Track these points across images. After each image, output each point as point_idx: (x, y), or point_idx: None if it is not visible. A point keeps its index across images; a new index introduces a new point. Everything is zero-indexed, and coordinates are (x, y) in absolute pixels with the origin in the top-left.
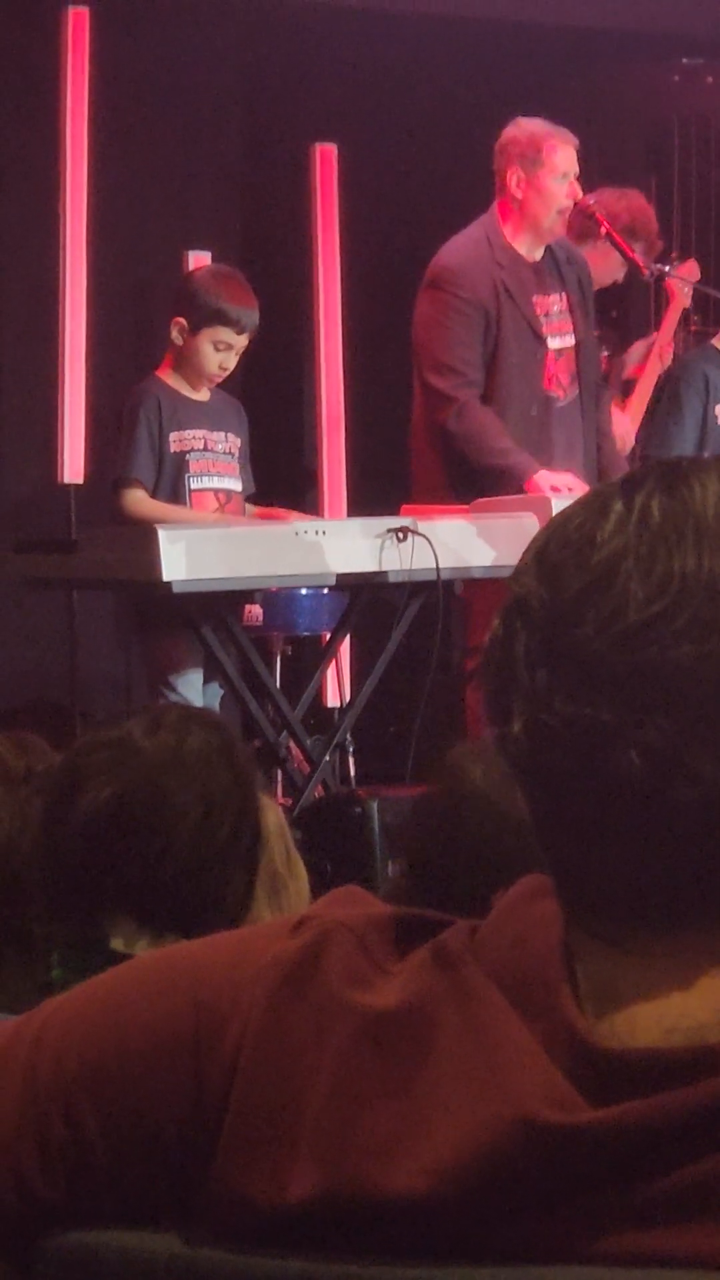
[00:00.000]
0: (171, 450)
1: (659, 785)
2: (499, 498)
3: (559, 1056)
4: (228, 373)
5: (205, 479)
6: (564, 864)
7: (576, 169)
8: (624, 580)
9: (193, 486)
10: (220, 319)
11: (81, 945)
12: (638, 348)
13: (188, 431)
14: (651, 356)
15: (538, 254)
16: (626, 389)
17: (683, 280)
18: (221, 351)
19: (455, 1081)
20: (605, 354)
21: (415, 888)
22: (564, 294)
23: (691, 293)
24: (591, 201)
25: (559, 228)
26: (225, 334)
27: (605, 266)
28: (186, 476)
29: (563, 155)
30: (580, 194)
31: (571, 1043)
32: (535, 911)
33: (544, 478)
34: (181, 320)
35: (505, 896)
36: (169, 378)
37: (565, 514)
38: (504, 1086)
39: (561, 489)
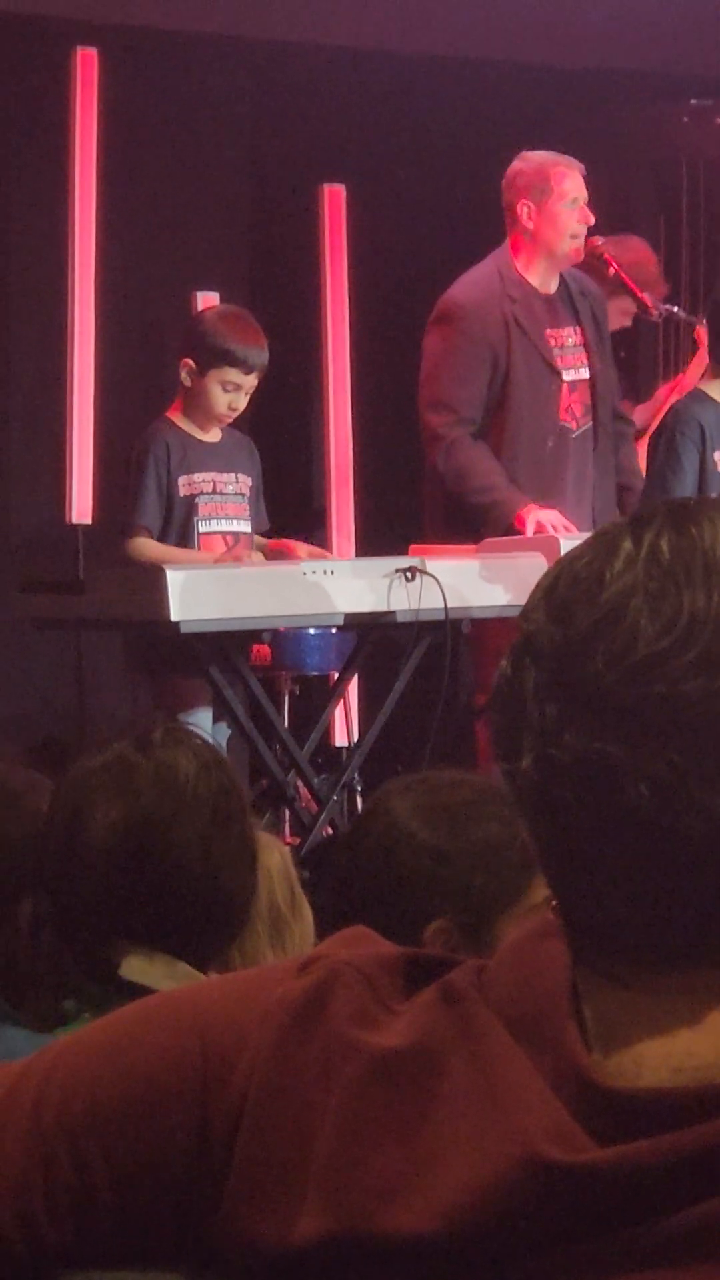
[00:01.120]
0: (180, 494)
1: (668, 819)
2: (507, 538)
3: (565, 1095)
4: (237, 413)
5: (214, 522)
6: (571, 901)
7: (585, 194)
8: (634, 616)
9: (201, 530)
10: (227, 359)
11: (92, 975)
12: (642, 412)
13: (197, 475)
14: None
15: (552, 286)
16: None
17: (690, 317)
18: (230, 392)
19: (462, 1121)
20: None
21: (342, 918)
22: (578, 327)
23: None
24: (600, 242)
25: (573, 255)
26: (233, 374)
27: (615, 309)
28: (195, 520)
29: (571, 181)
30: (591, 219)
31: (578, 1082)
32: (542, 951)
33: (530, 514)
34: (190, 362)
35: (512, 936)
36: (179, 419)
37: (574, 553)
38: (510, 1126)
39: (546, 526)
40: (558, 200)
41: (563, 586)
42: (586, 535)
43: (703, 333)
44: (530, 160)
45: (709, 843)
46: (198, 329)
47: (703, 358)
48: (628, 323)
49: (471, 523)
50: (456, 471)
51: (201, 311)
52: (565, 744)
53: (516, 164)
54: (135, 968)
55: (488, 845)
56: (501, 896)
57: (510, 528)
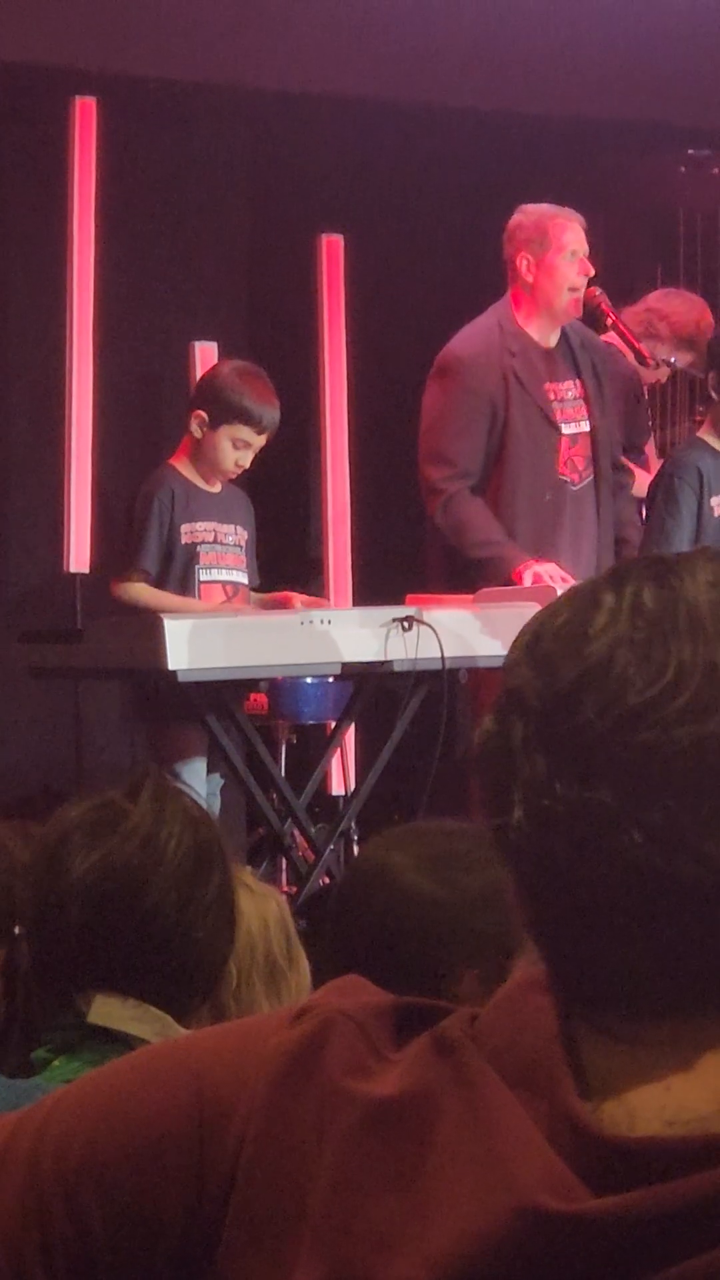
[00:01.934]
0: (182, 542)
1: (663, 866)
2: (504, 588)
3: (560, 1144)
4: (242, 470)
5: (214, 571)
6: (562, 955)
7: (585, 247)
8: (622, 666)
9: (202, 579)
10: (242, 417)
11: (64, 1022)
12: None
13: (199, 524)
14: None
15: (552, 340)
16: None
17: (687, 368)
18: (239, 450)
19: (457, 1170)
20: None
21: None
22: (578, 380)
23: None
24: (597, 293)
25: (573, 308)
26: (245, 432)
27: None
28: (196, 568)
29: (570, 234)
30: (591, 270)
31: (573, 1131)
32: (532, 1003)
33: (528, 568)
34: (202, 414)
35: (503, 988)
36: (183, 467)
37: (551, 609)
38: (505, 1175)
39: (544, 578)
40: (557, 253)
41: (545, 641)
42: None
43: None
44: (530, 213)
45: (705, 889)
46: (214, 383)
47: None
48: (663, 378)
49: (471, 575)
50: (455, 526)
51: (218, 365)
52: (557, 794)
53: (516, 217)
54: (103, 1012)
55: (490, 895)
56: (513, 940)
57: (508, 581)
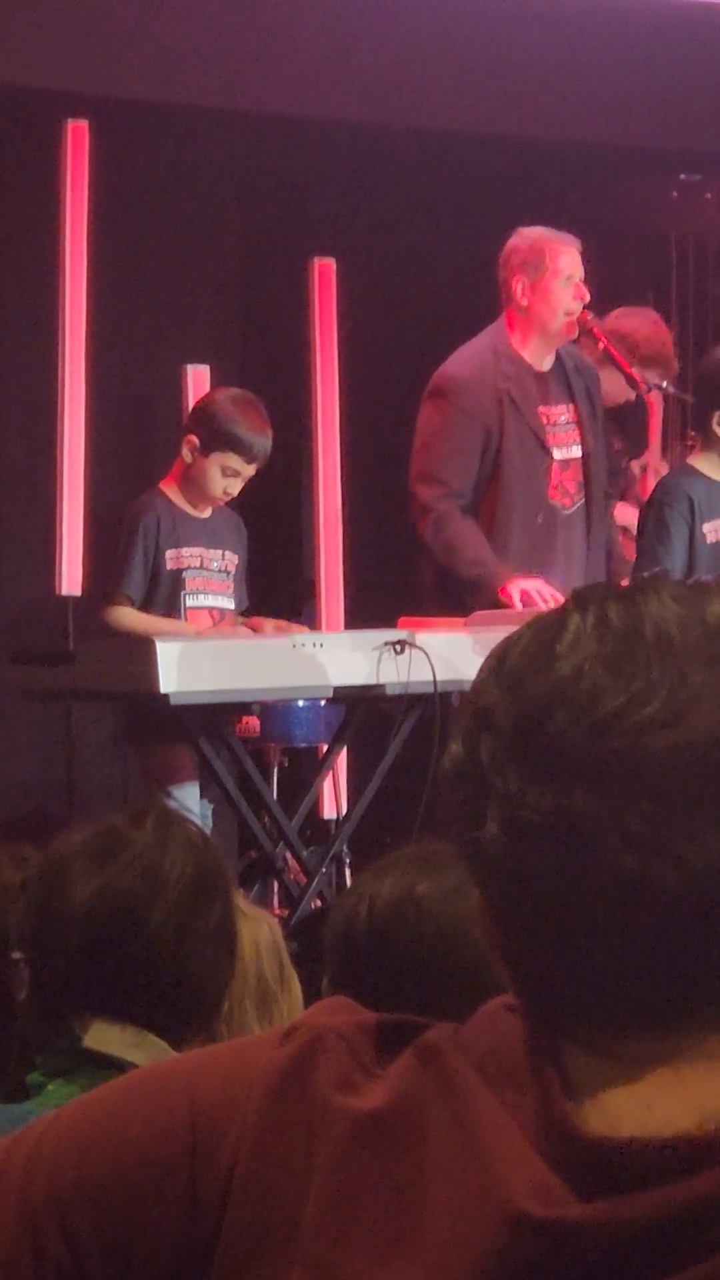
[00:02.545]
0: (168, 568)
1: (642, 872)
2: (496, 611)
3: (545, 1149)
4: (230, 498)
5: (201, 597)
6: (538, 975)
7: (581, 272)
8: (591, 679)
9: (188, 604)
10: (233, 445)
11: (59, 1047)
12: (632, 468)
13: (185, 549)
14: (647, 475)
15: (546, 363)
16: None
17: (678, 392)
18: (228, 477)
19: (446, 1180)
20: (627, 462)
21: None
22: (571, 405)
23: (678, 403)
24: (590, 316)
25: (567, 332)
26: (235, 460)
27: (613, 385)
28: (183, 594)
29: (566, 259)
30: (587, 295)
31: (559, 1134)
32: (511, 1020)
33: (515, 585)
34: (194, 439)
35: (484, 1006)
36: (172, 492)
37: (517, 634)
38: (493, 1183)
39: (531, 593)
40: (552, 277)
41: (511, 661)
42: None
43: (652, 399)
44: (526, 237)
45: (684, 894)
46: (208, 409)
47: (655, 423)
48: (631, 396)
49: (462, 596)
50: (445, 545)
51: (214, 392)
52: (532, 805)
53: (513, 240)
54: (99, 1037)
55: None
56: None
57: (496, 599)
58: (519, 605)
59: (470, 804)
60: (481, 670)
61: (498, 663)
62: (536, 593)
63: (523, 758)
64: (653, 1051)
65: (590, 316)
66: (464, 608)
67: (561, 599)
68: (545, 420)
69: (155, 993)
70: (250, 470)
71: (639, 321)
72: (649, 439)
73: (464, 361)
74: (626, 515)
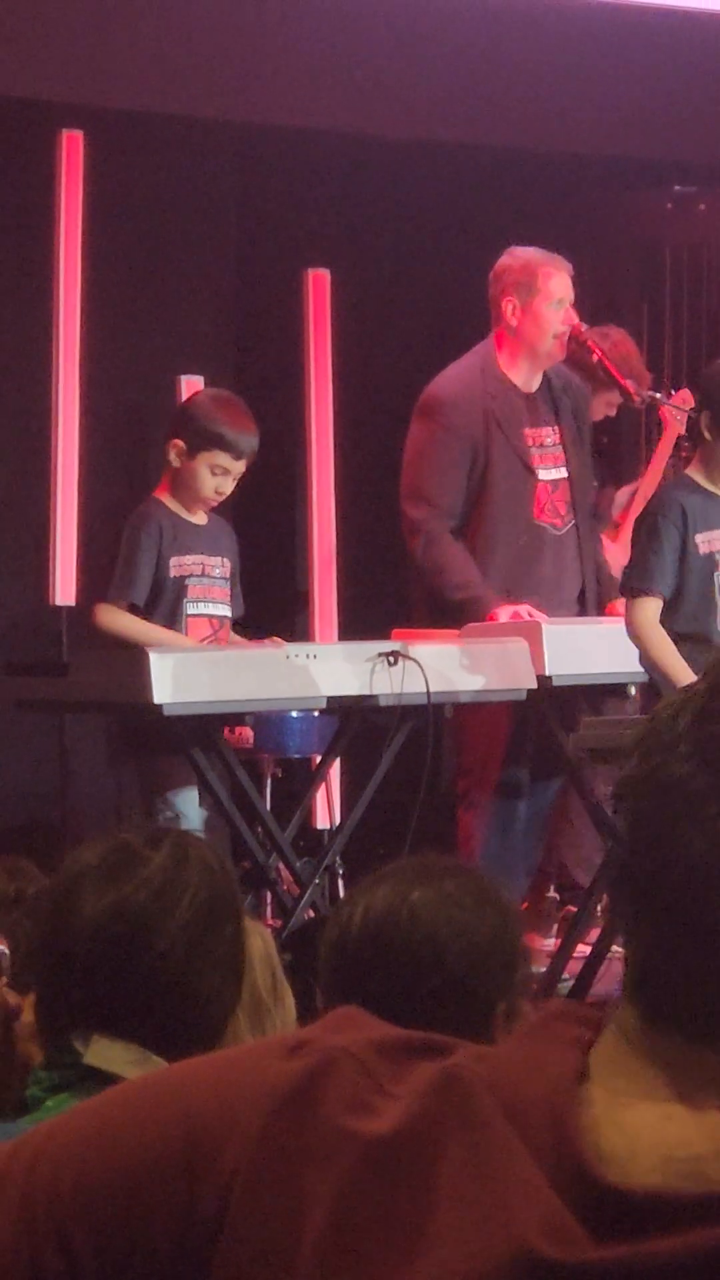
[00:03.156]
0: (171, 575)
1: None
2: (490, 623)
3: (564, 1190)
4: (223, 498)
5: (202, 605)
6: (633, 938)
7: (572, 295)
8: None
9: (189, 612)
10: (218, 443)
11: (61, 1063)
12: (623, 493)
13: (187, 557)
14: (636, 500)
15: (534, 384)
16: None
17: (677, 408)
18: (218, 476)
19: (456, 1212)
20: (595, 484)
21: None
22: (557, 426)
23: (686, 420)
24: (584, 329)
25: (556, 353)
26: (223, 459)
27: (599, 399)
28: (184, 602)
29: (557, 282)
30: (576, 319)
31: (577, 1175)
32: (557, 1034)
33: (504, 612)
34: (180, 443)
35: (528, 1020)
36: (167, 500)
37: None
38: (505, 1219)
39: (523, 617)
40: (544, 300)
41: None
42: (570, 622)
43: (667, 412)
44: (518, 257)
45: None
46: (190, 411)
47: (670, 437)
48: (613, 413)
49: (453, 610)
50: (434, 567)
51: (194, 394)
52: (670, 762)
53: (505, 259)
54: (101, 1054)
55: (489, 942)
56: (501, 986)
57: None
58: None
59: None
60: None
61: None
62: (527, 615)
63: (690, 726)
64: (681, 1058)
65: (584, 330)
66: (455, 621)
67: (548, 620)
68: (530, 442)
69: (160, 1013)
70: (239, 467)
71: (617, 338)
72: (655, 454)
73: (451, 380)
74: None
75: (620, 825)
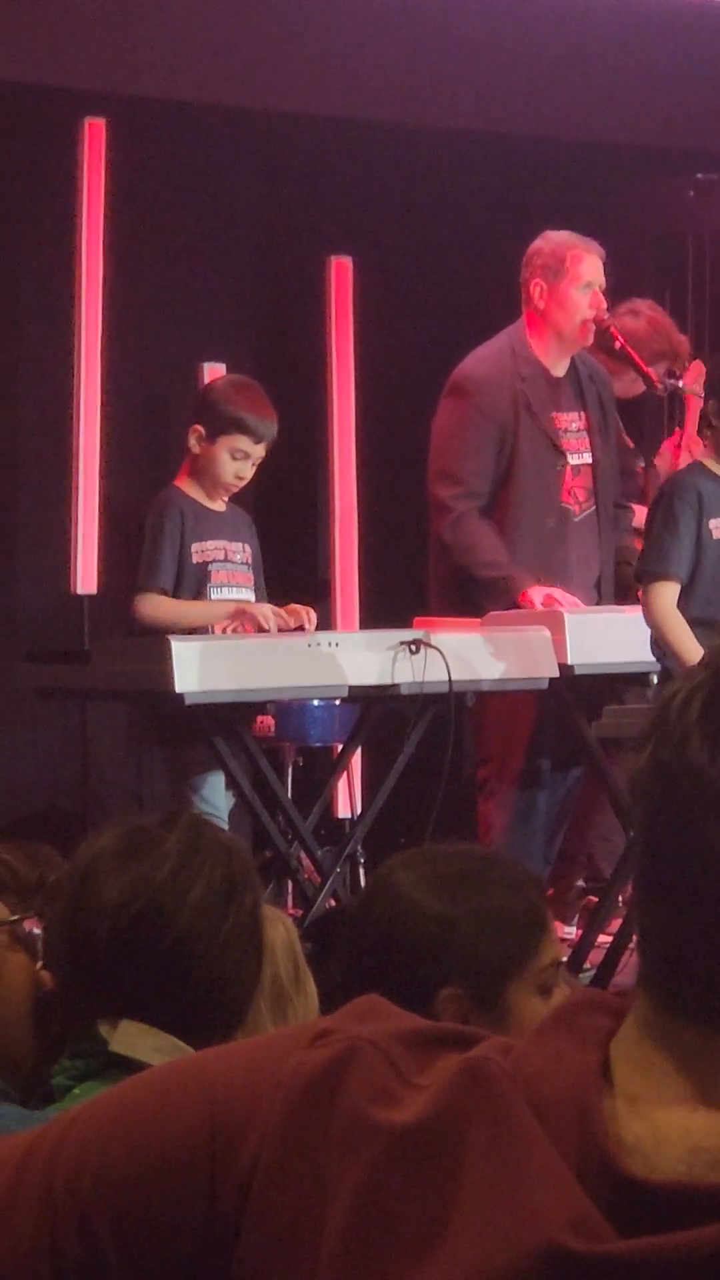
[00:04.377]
0: (194, 561)
1: None
2: (512, 611)
3: (589, 1182)
4: (244, 483)
5: (226, 590)
6: (648, 927)
7: (602, 280)
8: None
9: (214, 597)
10: (239, 427)
11: (86, 1050)
12: (665, 449)
13: (209, 542)
14: (681, 453)
15: (561, 369)
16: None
17: (690, 389)
18: (239, 461)
19: (481, 1203)
20: (640, 465)
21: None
22: (583, 413)
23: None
24: (607, 316)
25: (581, 338)
26: (243, 443)
27: (623, 380)
28: (208, 587)
29: (587, 264)
30: (604, 304)
31: (602, 1168)
32: (581, 1025)
33: (536, 592)
34: (199, 428)
35: (553, 1010)
36: (187, 487)
37: None
38: (531, 1211)
39: (554, 598)
40: (571, 283)
41: None
42: (593, 610)
43: (695, 401)
44: (550, 240)
45: None
46: (209, 396)
47: (694, 412)
48: (638, 390)
49: (476, 596)
50: (464, 545)
51: (213, 380)
52: (686, 750)
53: (537, 242)
54: (126, 1041)
55: (493, 912)
56: (509, 962)
57: (514, 604)
58: (539, 608)
59: (646, 731)
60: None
61: None
62: (557, 600)
63: (703, 712)
64: (703, 1047)
65: (607, 317)
66: (473, 608)
67: (582, 606)
68: (559, 425)
69: (183, 994)
70: (259, 452)
71: (638, 322)
72: (685, 425)
73: (482, 361)
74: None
75: (636, 816)
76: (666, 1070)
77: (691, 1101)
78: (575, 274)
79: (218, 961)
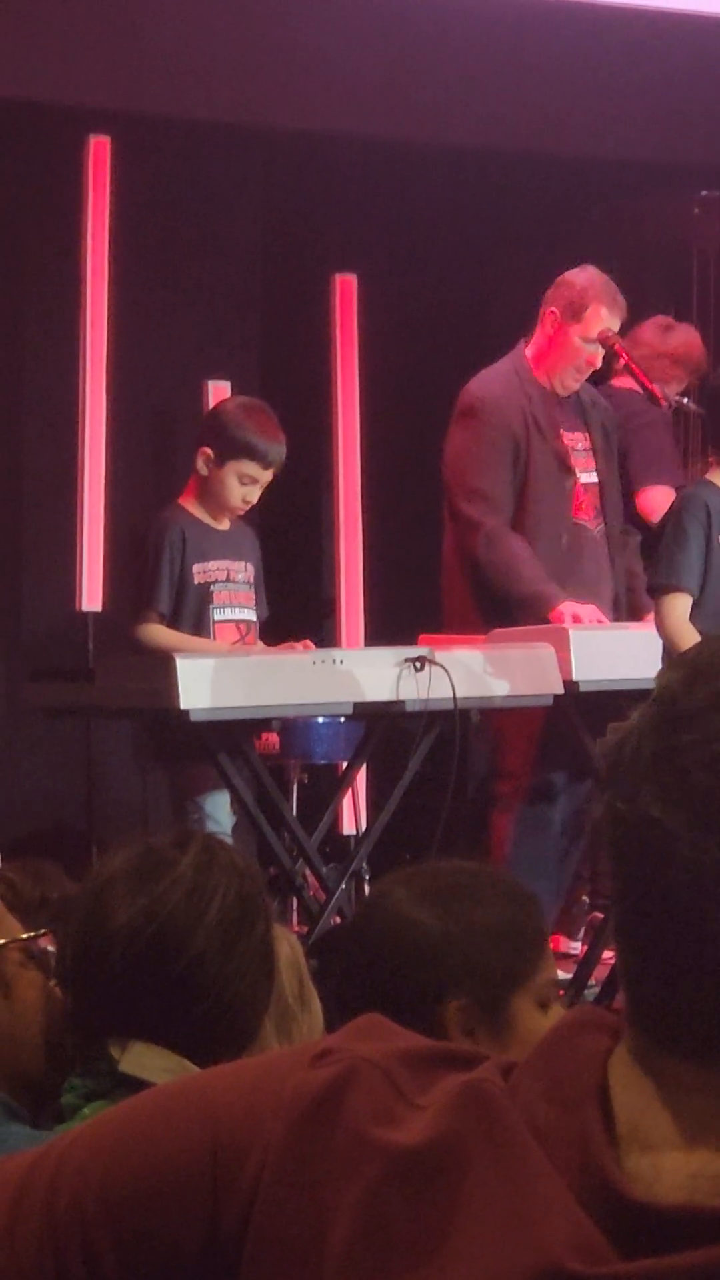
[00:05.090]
0: (195, 582)
1: (702, 905)
2: (517, 628)
3: (590, 1204)
4: (250, 506)
5: (228, 610)
6: (624, 963)
7: (613, 328)
8: None
9: (216, 618)
10: (248, 452)
11: (95, 1070)
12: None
13: (211, 563)
14: None
15: (564, 391)
16: None
17: (695, 407)
18: (246, 485)
19: (483, 1227)
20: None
21: (349, 1007)
22: (587, 434)
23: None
24: (610, 334)
25: (571, 384)
26: (251, 468)
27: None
28: (210, 608)
29: (603, 320)
30: (597, 364)
31: (604, 1192)
32: (580, 1046)
33: (568, 608)
34: (208, 451)
35: (553, 1027)
36: (191, 506)
37: None
38: (532, 1233)
39: (584, 619)
40: (581, 330)
41: (706, 656)
42: (597, 627)
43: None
44: (584, 277)
45: None
46: (219, 419)
47: None
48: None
49: (510, 612)
50: (502, 561)
51: (223, 402)
52: (639, 800)
53: (575, 272)
54: (136, 1061)
55: (492, 925)
56: (511, 975)
57: (544, 620)
58: (570, 626)
59: (608, 776)
60: (699, 645)
61: (699, 650)
62: (590, 619)
63: (655, 757)
64: (702, 1082)
65: (611, 334)
66: (490, 625)
67: (609, 623)
68: (566, 444)
69: (195, 1016)
70: (267, 476)
71: (679, 337)
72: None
73: (489, 382)
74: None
75: (606, 861)
76: (656, 1102)
77: (684, 1144)
78: (587, 323)
79: (230, 983)
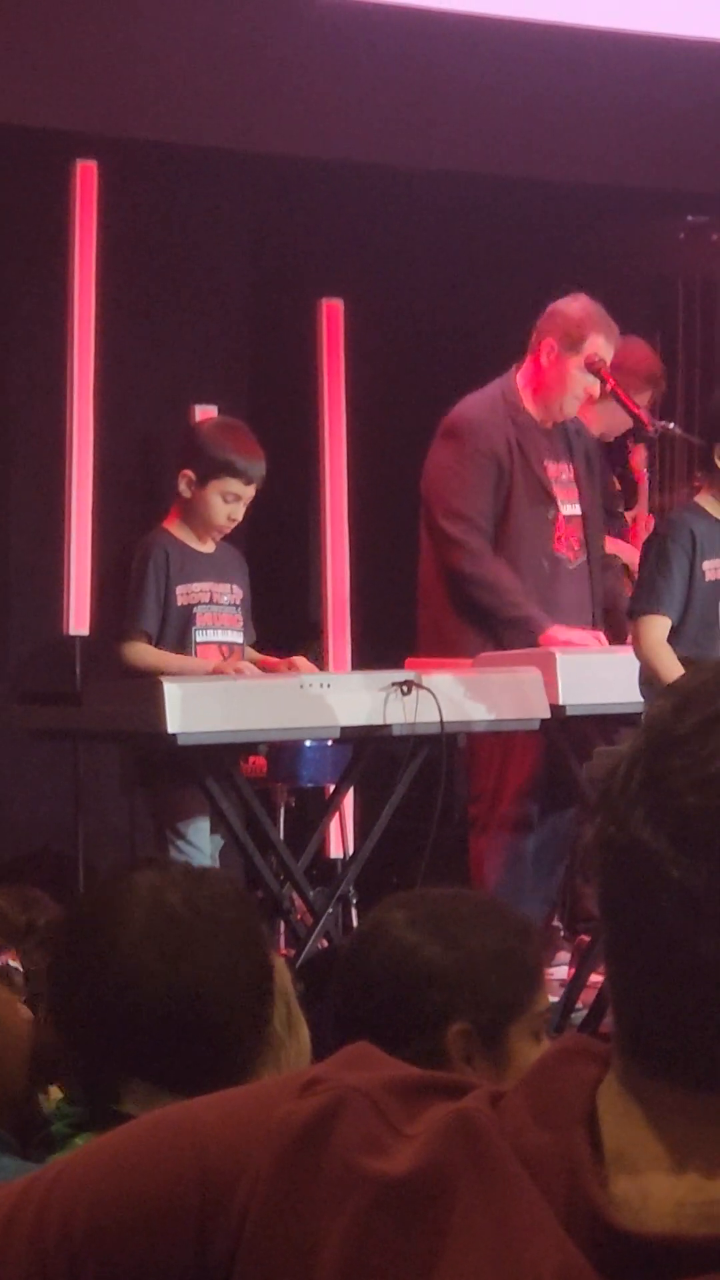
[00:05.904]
0: (179, 603)
1: (688, 933)
2: (503, 652)
3: (577, 1233)
4: (235, 524)
5: (211, 632)
6: (614, 989)
7: (607, 359)
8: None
9: (198, 640)
10: (228, 470)
11: (87, 1101)
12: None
13: (195, 584)
14: (637, 524)
15: (549, 421)
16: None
17: (688, 438)
18: (230, 503)
19: (470, 1256)
20: (622, 507)
21: (346, 1035)
22: (571, 465)
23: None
24: (597, 359)
25: (570, 412)
26: (234, 485)
27: (613, 420)
28: (193, 630)
29: (600, 350)
30: (595, 396)
31: (590, 1220)
32: (568, 1074)
33: (559, 631)
34: (189, 473)
35: (542, 1056)
36: (176, 529)
37: None
38: (519, 1263)
39: (576, 644)
40: (578, 363)
41: (701, 678)
42: (584, 651)
43: (637, 464)
44: (579, 307)
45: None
46: (197, 440)
47: (643, 486)
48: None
49: (497, 634)
50: (487, 582)
51: (199, 423)
52: (630, 824)
53: (569, 300)
54: (138, 1104)
55: (494, 954)
56: (511, 1004)
57: (534, 643)
58: (560, 649)
59: (600, 802)
60: (679, 679)
61: (689, 678)
62: (582, 643)
63: (647, 780)
64: (689, 1108)
65: (597, 359)
66: (462, 649)
67: (603, 643)
68: (549, 474)
69: (191, 1051)
70: (249, 492)
71: (636, 347)
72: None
73: (475, 405)
74: (626, 552)
75: (595, 888)
76: (644, 1128)
77: (672, 1169)
78: (587, 355)
79: (227, 1021)
